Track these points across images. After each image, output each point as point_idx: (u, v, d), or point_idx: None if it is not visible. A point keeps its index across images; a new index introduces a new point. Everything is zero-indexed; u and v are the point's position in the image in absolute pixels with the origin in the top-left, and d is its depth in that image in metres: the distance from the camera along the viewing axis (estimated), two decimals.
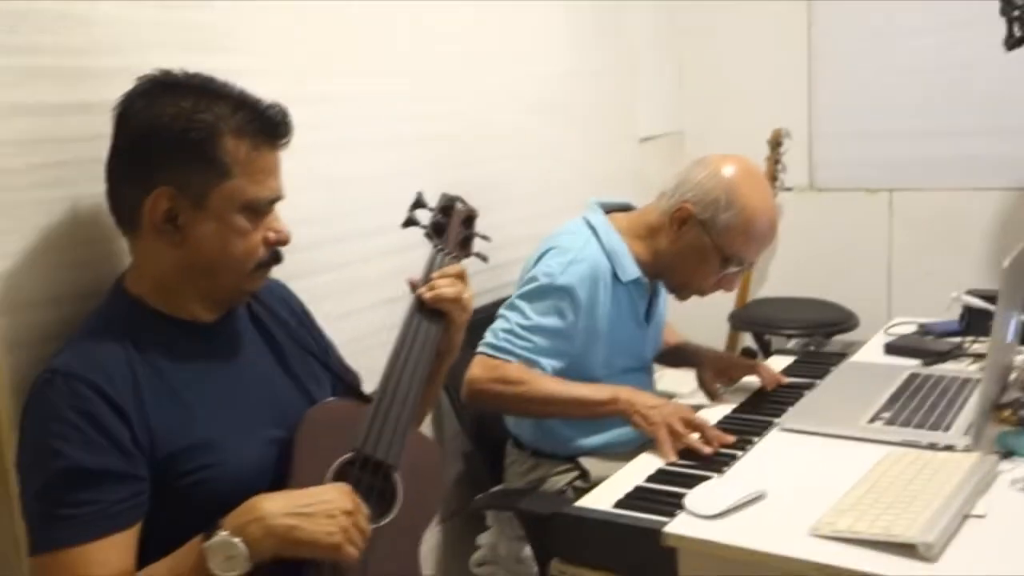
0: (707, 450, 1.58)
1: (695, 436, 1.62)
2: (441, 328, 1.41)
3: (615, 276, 1.89)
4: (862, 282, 3.24)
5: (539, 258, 1.89)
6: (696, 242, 1.84)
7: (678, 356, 2.16)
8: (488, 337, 1.83)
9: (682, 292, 1.98)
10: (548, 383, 1.79)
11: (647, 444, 1.69)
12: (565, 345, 1.84)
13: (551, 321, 1.82)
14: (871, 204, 3.25)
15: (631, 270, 1.89)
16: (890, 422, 1.61)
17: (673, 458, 1.59)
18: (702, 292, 1.95)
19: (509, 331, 1.81)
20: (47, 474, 1.10)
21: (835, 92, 3.25)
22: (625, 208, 2.03)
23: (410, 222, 1.50)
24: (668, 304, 2.13)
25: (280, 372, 1.36)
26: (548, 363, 1.82)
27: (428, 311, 1.40)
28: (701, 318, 3.47)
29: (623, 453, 1.89)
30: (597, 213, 1.95)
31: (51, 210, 1.27)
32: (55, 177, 1.27)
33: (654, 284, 2.00)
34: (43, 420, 1.12)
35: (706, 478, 1.46)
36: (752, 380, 1.96)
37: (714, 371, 1.99)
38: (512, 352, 1.80)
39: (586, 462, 1.91)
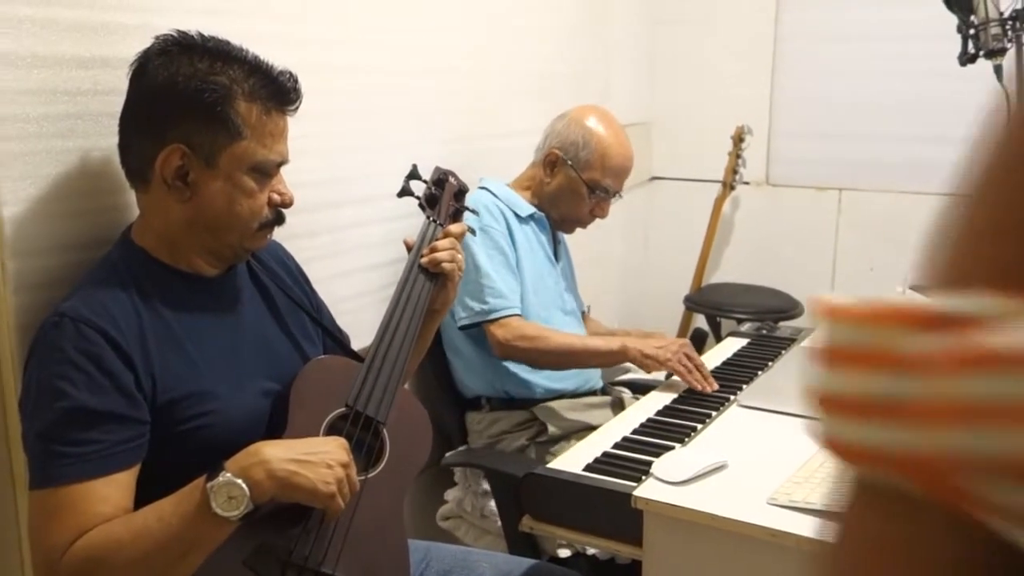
0: (709, 388, 1.78)
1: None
2: (436, 286, 1.43)
3: (515, 215, 2.05)
4: (808, 273, 3.29)
5: None
6: (566, 179, 2.06)
7: None
8: (476, 306, 1.91)
9: (566, 226, 2.16)
10: (562, 337, 1.95)
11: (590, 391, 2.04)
12: (516, 281, 1.98)
13: (497, 260, 1.95)
14: (821, 201, 3.29)
15: (525, 206, 2.08)
16: None
17: (699, 388, 1.78)
18: (582, 222, 2.13)
19: (487, 289, 1.91)
20: (51, 413, 1.08)
21: (795, 94, 3.28)
22: None
23: (405, 192, 1.50)
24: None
25: (276, 328, 1.35)
26: (517, 302, 1.95)
27: (424, 270, 1.42)
28: (658, 299, 3.53)
29: (573, 402, 2.04)
30: (486, 180, 2.12)
31: (63, 160, 1.24)
32: (69, 128, 1.24)
33: (554, 228, 2.17)
34: (49, 361, 1.10)
35: (670, 447, 1.48)
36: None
37: None
38: (505, 305, 1.92)
39: (541, 413, 1.99)
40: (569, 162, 2.04)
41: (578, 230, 2.20)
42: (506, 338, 1.90)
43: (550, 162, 2.07)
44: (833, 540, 0.34)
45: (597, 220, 2.15)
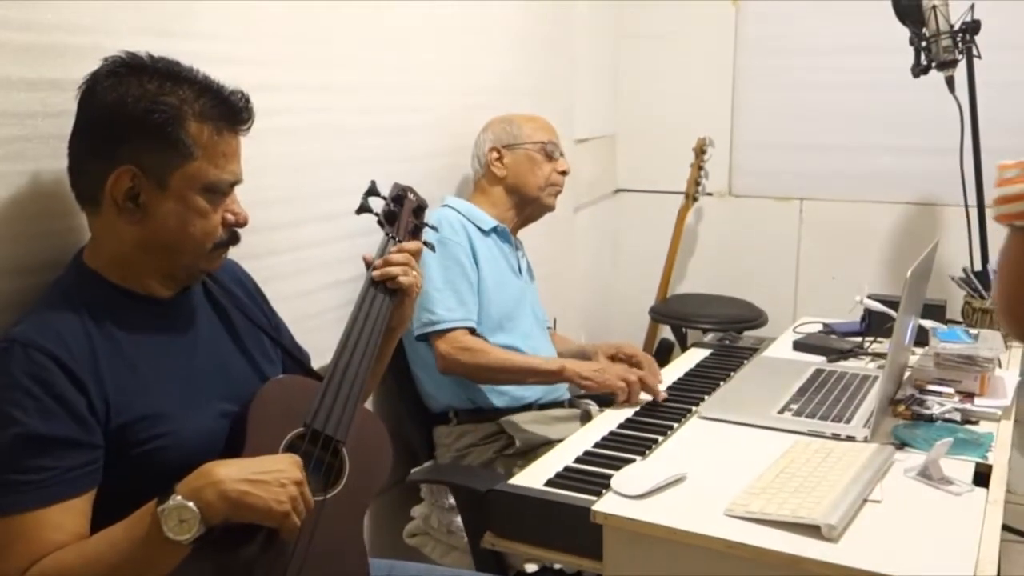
0: (661, 396, 1.82)
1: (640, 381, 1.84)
2: (394, 302, 1.41)
3: (479, 229, 2.11)
4: (772, 283, 3.32)
5: None
6: (518, 157, 2.18)
7: (581, 357, 2.22)
8: (426, 317, 1.94)
9: (543, 199, 2.21)
10: (502, 354, 1.97)
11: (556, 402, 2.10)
12: (473, 294, 2.02)
13: (454, 273, 1.99)
14: (783, 211, 3.33)
15: (487, 220, 2.14)
16: (798, 413, 1.66)
17: (636, 403, 1.80)
18: (554, 184, 2.22)
19: (437, 301, 1.95)
20: (1, 441, 1.06)
21: (756, 106, 3.32)
22: None
23: (363, 209, 1.49)
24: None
25: (233, 348, 1.34)
26: (473, 315, 1.99)
27: (382, 286, 1.41)
28: (624, 310, 3.54)
29: (540, 414, 2.06)
30: (449, 198, 2.19)
31: (12, 183, 1.22)
32: (17, 151, 1.22)
33: (516, 240, 2.23)
34: None
35: (630, 460, 1.48)
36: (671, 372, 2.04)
37: (607, 356, 2.08)
38: (452, 318, 1.95)
39: (509, 426, 2.00)
40: (510, 143, 2.18)
41: (544, 237, 2.22)
42: (447, 351, 1.93)
43: (496, 160, 2.19)
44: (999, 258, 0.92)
45: (560, 233, 2.17)
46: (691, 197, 3.29)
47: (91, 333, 1.15)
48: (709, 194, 3.35)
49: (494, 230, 2.14)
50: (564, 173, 2.22)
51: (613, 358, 2.05)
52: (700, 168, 3.26)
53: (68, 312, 1.14)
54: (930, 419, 1.61)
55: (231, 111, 1.20)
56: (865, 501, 1.30)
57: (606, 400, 2.10)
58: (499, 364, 1.94)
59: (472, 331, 1.99)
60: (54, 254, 1.25)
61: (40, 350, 1.09)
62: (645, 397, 1.84)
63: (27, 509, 1.05)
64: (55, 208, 1.27)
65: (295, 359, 1.44)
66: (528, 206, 2.21)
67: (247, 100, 1.22)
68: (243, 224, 1.26)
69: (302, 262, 1.82)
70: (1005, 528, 2.00)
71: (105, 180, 1.15)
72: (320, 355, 1.50)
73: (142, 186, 1.15)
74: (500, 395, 2.05)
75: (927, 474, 1.38)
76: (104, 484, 1.12)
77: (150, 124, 1.14)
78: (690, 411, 1.73)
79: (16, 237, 1.23)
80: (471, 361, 1.93)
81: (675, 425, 1.66)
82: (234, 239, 1.26)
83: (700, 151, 3.26)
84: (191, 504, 1.02)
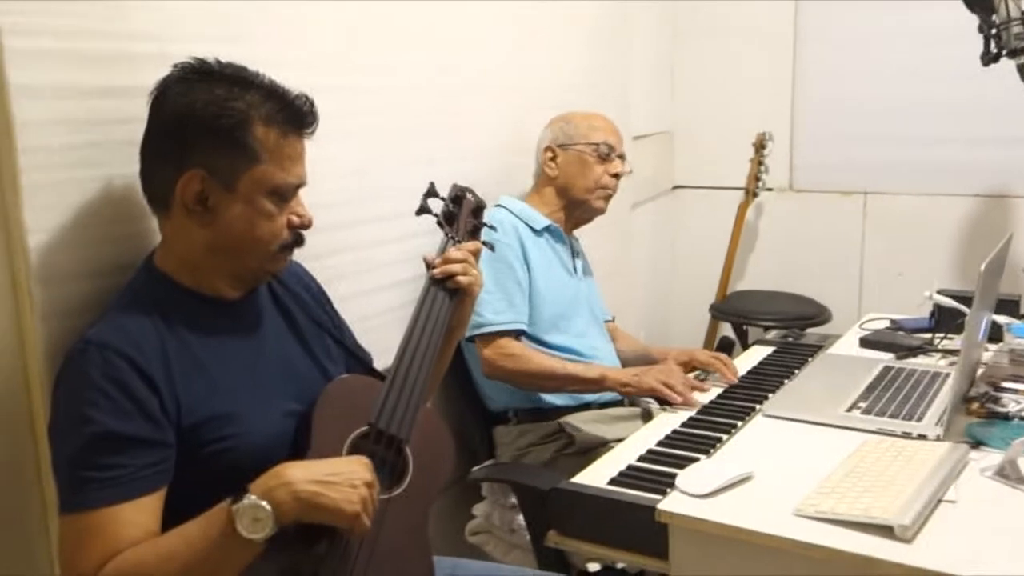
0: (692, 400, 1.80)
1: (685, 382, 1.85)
2: (454, 302, 1.42)
3: (531, 229, 2.12)
4: (835, 279, 3.26)
5: None
6: (570, 157, 2.18)
7: (645, 360, 2.23)
8: (473, 319, 1.93)
9: (591, 202, 2.19)
10: (544, 360, 1.97)
11: (616, 400, 2.07)
12: (524, 296, 2.03)
13: (504, 275, 2.01)
14: (846, 206, 3.27)
15: (540, 220, 2.14)
16: (867, 411, 1.63)
17: (681, 400, 1.80)
18: (606, 187, 2.19)
19: (486, 305, 1.97)
20: (79, 439, 1.09)
21: (816, 98, 3.26)
22: None
23: (423, 210, 1.50)
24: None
25: (298, 349, 1.36)
26: (522, 317, 2.00)
27: (442, 286, 1.42)
28: (684, 308, 3.51)
29: (600, 413, 2.06)
30: (503, 198, 2.20)
31: (86, 188, 1.26)
32: (91, 157, 1.26)
33: (571, 239, 2.24)
34: (77, 388, 1.11)
35: (694, 459, 1.47)
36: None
37: (679, 364, 2.06)
38: (499, 320, 1.97)
39: (568, 427, 2.00)
40: (565, 143, 2.18)
41: (602, 235, 2.21)
42: (490, 356, 1.95)
43: (550, 159, 2.18)
44: None
45: (618, 231, 2.16)
46: (751, 192, 3.25)
47: (162, 334, 1.18)
48: (769, 189, 3.30)
49: (547, 229, 2.15)
50: (617, 176, 2.19)
51: (685, 366, 2.04)
52: (760, 163, 3.22)
53: (140, 314, 1.18)
54: (1006, 417, 1.57)
55: (296, 115, 1.22)
56: (940, 501, 1.27)
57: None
58: (541, 371, 1.95)
59: (522, 333, 2.00)
60: (126, 257, 1.29)
61: (115, 351, 1.12)
62: (703, 398, 1.82)
63: (103, 505, 1.08)
64: (127, 212, 1.31)
65: (358, 359, 1.46)
66: (576, 208, 2.20)
67: (311, 104, 1.24)
68: (308, 226, 1.28)
69: (363, 263, 1.84)
70: None
71: (175, 184, 1.17)
72: (381, 355, 1.51)
73: (211, 189, 1.18)
74: (559, 394, 2.05)
75: (1004, 474, 1.35)
76: (174, 482, 1.15)
77: (218, 129, 1.16)
78: (754, 409, 1.70)
79: (91, 241, 1.27)
80: (514, 367, 1.95)
81: (739, 423, 1.64)
82: (299, 241, 1.28)
83: (760, 146, 3.22)
84: (265, 504, 1.04)
